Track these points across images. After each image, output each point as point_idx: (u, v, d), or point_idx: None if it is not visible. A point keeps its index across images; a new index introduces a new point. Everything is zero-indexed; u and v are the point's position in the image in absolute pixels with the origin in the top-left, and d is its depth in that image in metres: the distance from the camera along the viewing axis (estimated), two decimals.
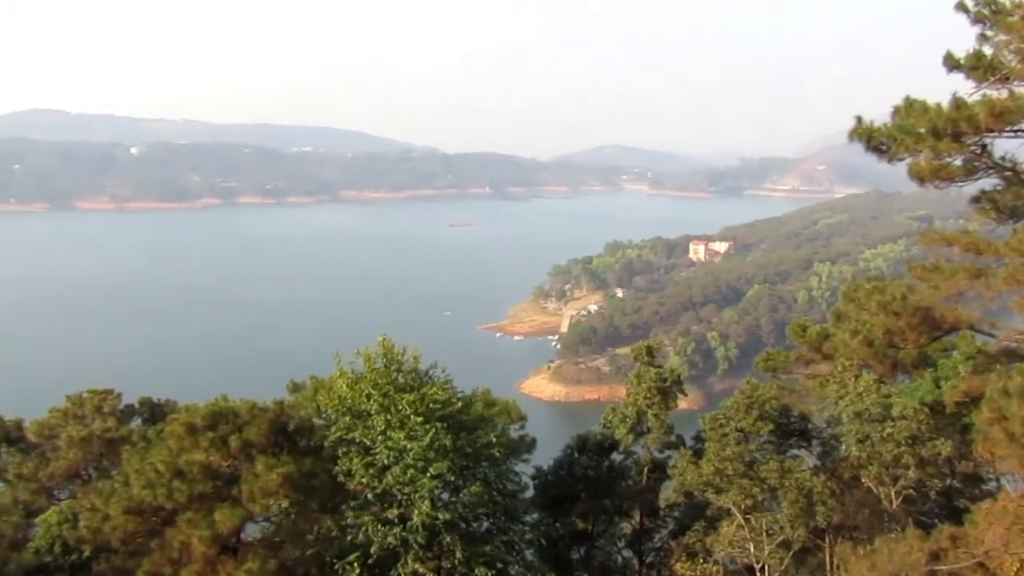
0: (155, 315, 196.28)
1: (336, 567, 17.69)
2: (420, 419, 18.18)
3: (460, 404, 19.21)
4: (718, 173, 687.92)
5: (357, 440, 18.80)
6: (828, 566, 23.48)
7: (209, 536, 17.03)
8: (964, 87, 16.27)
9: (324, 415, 20.41)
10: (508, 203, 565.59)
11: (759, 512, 23.73)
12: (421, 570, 17.90)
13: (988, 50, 16.21)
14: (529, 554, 20.57)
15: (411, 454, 18.23)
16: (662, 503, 29.01)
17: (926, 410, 23.96)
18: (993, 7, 16.05)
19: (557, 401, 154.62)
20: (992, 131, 16.19)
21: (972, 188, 18.11)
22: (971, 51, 16.17)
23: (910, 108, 16.59)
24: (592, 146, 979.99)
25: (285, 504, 18.46)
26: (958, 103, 15.98)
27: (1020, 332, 20.06)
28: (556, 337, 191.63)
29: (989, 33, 16.22)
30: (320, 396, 20.44)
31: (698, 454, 26.18)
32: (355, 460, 18.57)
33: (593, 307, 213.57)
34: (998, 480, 25.32)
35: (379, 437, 18.55)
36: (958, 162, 16.99)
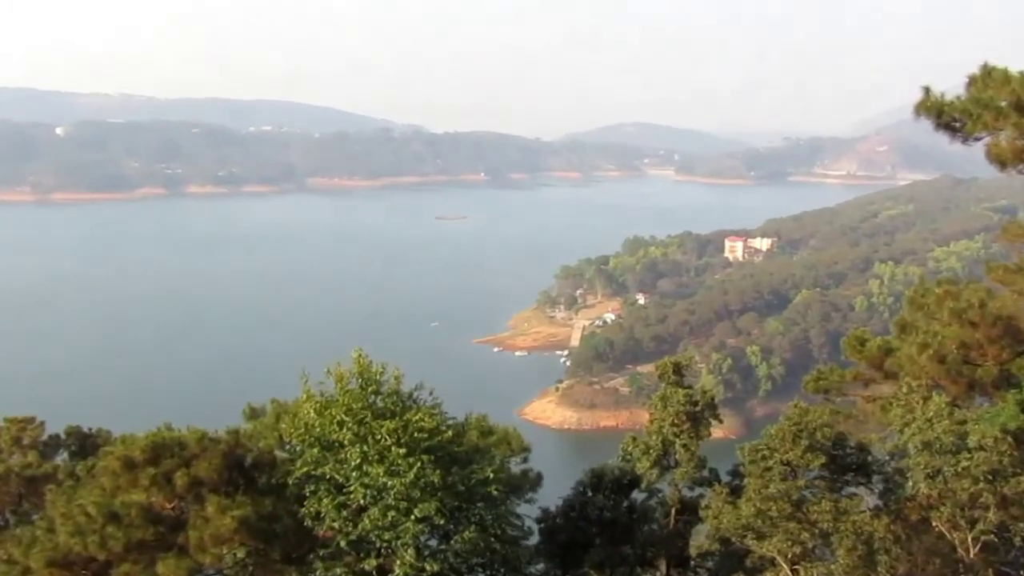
0: (85, 328, 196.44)
1: None
2: (403, 451, 18.18)
3: (451, 433, 19.20)
4: (759, 155, 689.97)
5: (327, 476, 18.79)
6: None
7: None
8: None
9: (288, 447, 20.39)
10: (508, 192, 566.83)
11: (809, 562, 23.65)
12: None
13: None
14: None
15: (392, 493, 18.21)
16: (692, 551, 28.95)
17: (1009, 439, 23.89)
18: None
19: (567, 429, 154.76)
20: None
21: None
22: None
23: (989, 78, 16.51)
24: (608, 123, 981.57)
25: (241, 554, 18.43)
26: None
27: None
28: (565, 352, 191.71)
29: None
30: (283, 424, 20.43)
31: (736, 492, 26.13)
32: (325, 500, 18.55)
33: (610, 316, 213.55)
34: None
35: (354, 473, 18.54)
36: None
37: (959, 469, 23.17)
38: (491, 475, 19.26)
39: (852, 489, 26.10)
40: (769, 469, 24.98)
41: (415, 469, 18.15)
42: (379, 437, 18.39)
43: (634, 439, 28.78)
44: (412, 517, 18.11)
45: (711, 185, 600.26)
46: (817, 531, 23.44)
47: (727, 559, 27.06)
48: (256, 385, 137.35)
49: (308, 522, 18.57)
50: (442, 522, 18.44)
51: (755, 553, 24.64)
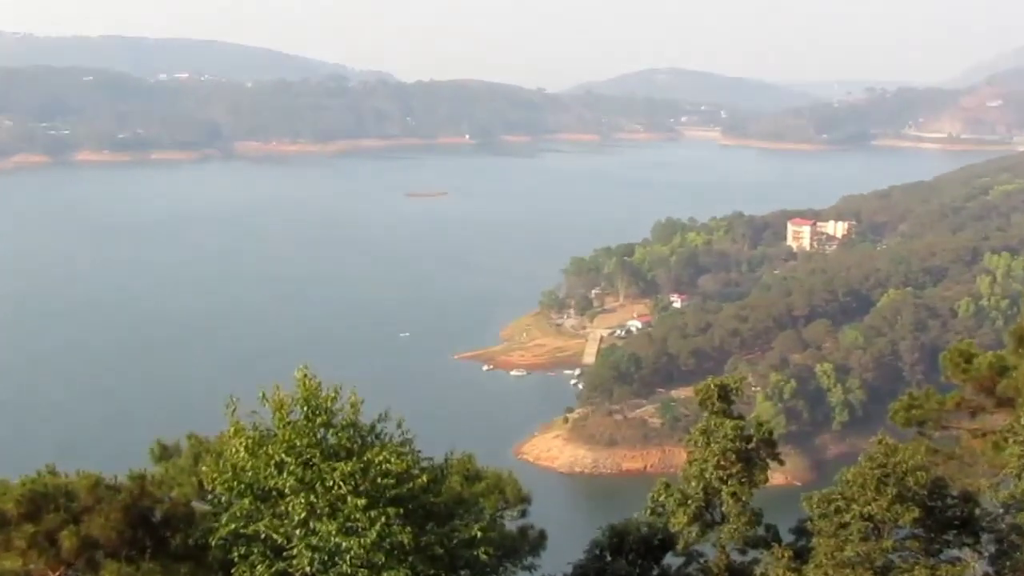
0: None
1: None
2: (362, 502, 18.18)
3: (425, 478, 19.22)
4: (831, 112, 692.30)
5: (262, 535, 18.78)
6: None
7: None
8: None
9: (210, 496, 20.37)
10: (501, 160, 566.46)
11: None
12: None
13: None
14: None
15: (348, 558, 18.19)
16: None
17: None
18: None
19: (579, 473, 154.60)
20: None
21: None
22: None
23: None
24: (634, 70, 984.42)
25: None
26: None
27: None
28: (577, 372, 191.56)
29: None
30: (204, 466, 20.41)
31: (801, 556, 26.17)
32: (259, 567, 18.53)
33: (635, 324, 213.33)
34: None
35: (298, 531, 18.54)
36: None
37: None
38: (478, 534, 19.27)
39: (955, 552, 26.15)
40: (845, 526, 24.99)
41: (378, 526, 18.14)
42: (331, 484, 18.38)
43: (667, 486, 28.79)
44: None
45: (768, 151, 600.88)
46: None
47: None
48: (170, 416, 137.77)
49: None
50: None
51: None
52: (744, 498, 27.77)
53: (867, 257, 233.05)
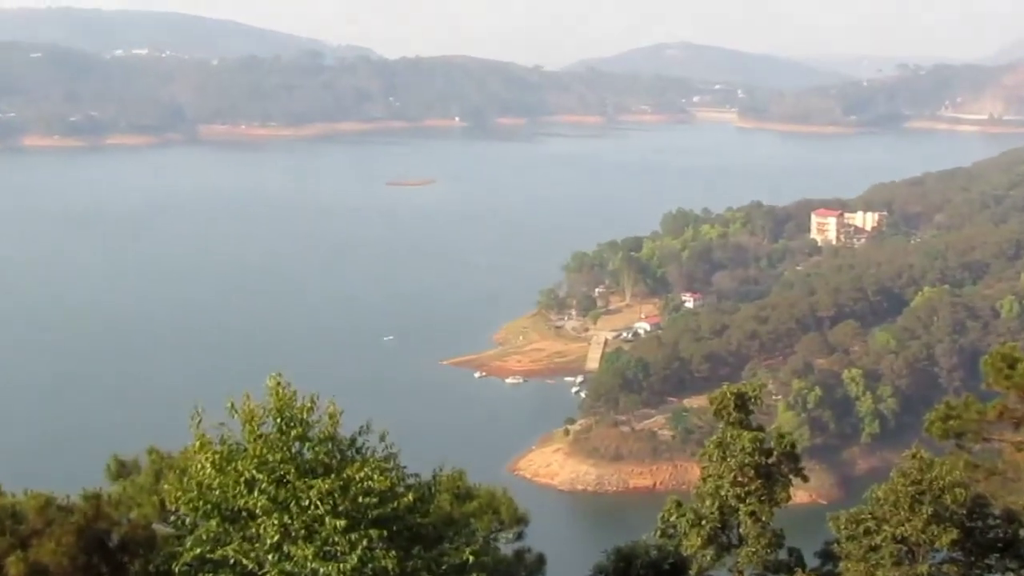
0: None
1: None
2: (341, 523, 18.15)
3: (411, 497, 19.19)
4: (860, 92, 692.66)
5: (231, 560, 18.73)
6: None
7: None
8: None
9: (173, 518, 20.34)
10: (494, 145, 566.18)
11: None
12: None
13: None
14: None
15: None
16: None
17: None
18: None
19: (581, 491, 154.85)
20: None
21: None
22: None
23: None
24: (642, 45, 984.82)
25: None
26: None
27: None
28: (579, 379, 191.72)
29: None
30: (166, 484, 20.36)
31: None
32: None
33: (643, 326, 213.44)
34: None
35: (270, 555, 18.49)
36: None
37: None
38: (470, 558, 19.24)
39: None
40: (876, 549, 25.01)
41: (359, 550, 18.10)
42: (307, 503, 18.34)
43: (679, 505, 28.82)
44: None
45: (790, 134, 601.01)
46: None
47: None
48: (129, 428, 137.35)
49: None
50: None
51: None
52: (764, 518, 27.81)
53: (899, 251, 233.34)
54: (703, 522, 28.06)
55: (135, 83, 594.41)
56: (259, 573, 18.60)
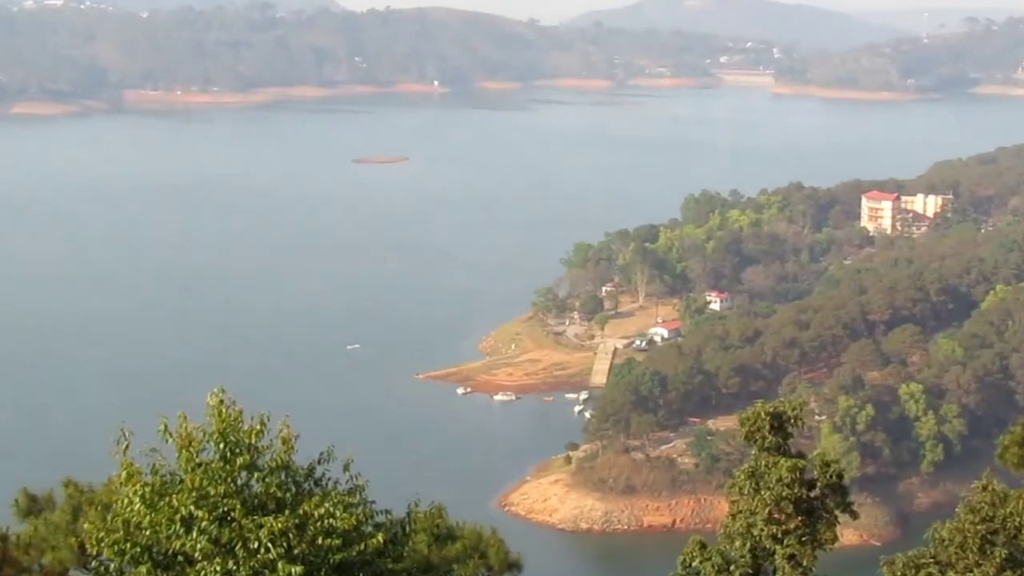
0: None
1: None
2: (298, 569, 18.18)
3: (381, 538, 19.22)
4: (919, 50, 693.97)
5: None
6: None
7: None
8: None
9: (96, 563, 20.33)
10: (479, 113, 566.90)
11: None
12: None
13: None
14: None
15: None
16: None
17: None
18: None
19: (586, 529, 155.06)
20: None
21: None
22: None
23: None
24: None
25: None
26: None
27: None
28: (583, 396, 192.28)
29: None
30: (86, 523, 20.35)
31: None
32: None
33: (659, 332, 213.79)
34: None
35: None
36: None
37: None
38: None
39: None
40: None
41: None
42: (256, 546, 18.37)
43: (703, 547, 28.86)
44: None
45: (836, 101, 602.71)
46: None
47: None
48: (42, 456, 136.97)
49: None
50: None
51: None
52: (805, 562, 27.88)
53: (968, 243, 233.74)
54: (732, 567, 28.11)
55: (48, 40, 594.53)
56: None
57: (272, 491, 19.03)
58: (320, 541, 18.54)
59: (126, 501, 18.98)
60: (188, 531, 18.67)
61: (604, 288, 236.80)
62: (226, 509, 18.68)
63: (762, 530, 27.82)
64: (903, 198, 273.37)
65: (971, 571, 25.16)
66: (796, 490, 27.92)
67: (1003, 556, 25.12)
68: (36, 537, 22.44)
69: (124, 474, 19.16)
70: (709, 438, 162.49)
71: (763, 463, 28.39)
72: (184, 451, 19.05)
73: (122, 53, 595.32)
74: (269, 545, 18.31)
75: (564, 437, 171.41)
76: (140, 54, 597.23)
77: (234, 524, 18.58)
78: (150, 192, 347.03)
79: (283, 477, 19.20)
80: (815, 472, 28.64)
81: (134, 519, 18.88)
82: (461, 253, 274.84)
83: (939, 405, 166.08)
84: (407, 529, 20.76)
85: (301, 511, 18.69)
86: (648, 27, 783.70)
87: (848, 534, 29.20)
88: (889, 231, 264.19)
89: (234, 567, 18.44)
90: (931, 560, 25.74)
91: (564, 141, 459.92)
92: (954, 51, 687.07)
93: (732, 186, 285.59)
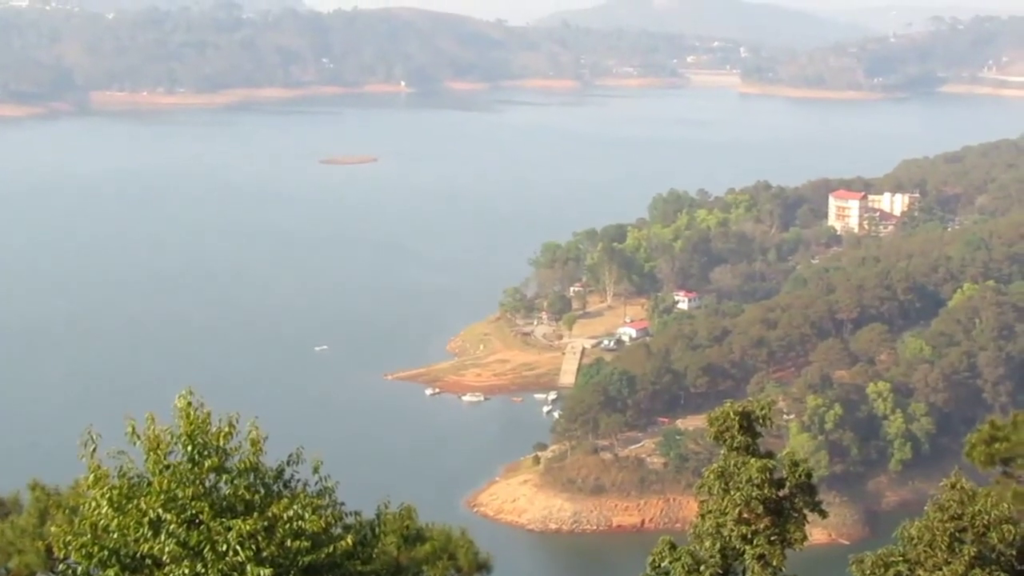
0: None
1: None
2: (267, 572, 18.09)
3: (351, 540, 19.21)
4: (887, 50, 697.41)
5: None
6: None
7: None
8: None
9: (63, 566, 20.19)
10: (446, 113, 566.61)
11: None
12: None
13: None
14: None
15: None
16: None
17: None
18: None
19: (555, 530, 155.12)
20: None
21: None
22: None
23: None
24: None
25: None
26: None
27: None
28: (551, 396, 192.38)
29: None
30: (53, 527, 20.22)
31: None
32: None
33: (627, 332, 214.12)
34: None
35: None
36: None
37: None
38: None
39: None
40: None
41: None
42: (224, 548, 18.28)
43: (672, 547, 28.86)
44: None
45: (803, 101, 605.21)
46: None
47: None
48: (6, 459, 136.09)
49: None
50: None
51: None
52: (775, 562, 27.91)
53: (935, 241, 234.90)
54: (702, 567, 28.11)
55: (13, 41, 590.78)
56: None
57: (241, 493, 18.96)
58: (289, 543, 18.47)
59: (93, 504, 18.87)
60: (156, 534, 18.57)
61: (572, 288, 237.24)
62: (194, 512, 18.59)
63: (732, 530, 27.84)
64: (870, 197, 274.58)
65: (940, 569, 25.20)
66: (765, 490, 27.93)
67: (972, 554, 25.18)
68: (2, 540, 22.31)
69: (91, 477, 19.03)
70: (678, 438, 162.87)
71: (732, 463, 28.41)
72: (152, 453, 18.97)
73: (88, 54, 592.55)
74: (238, 548, 18.23)
75: (533, 438, 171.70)
76: (106, 55, 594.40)
77: (202, 527, 18.50)
78: (115, 194, 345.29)
79: (252, 479, 19.13)
80: (784, 472, 28.68)
81: (101, 522, 18.78)
82: (429, 253, 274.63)
83: (907, 404, 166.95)
84: (376, 531, 20.76)
85: (270, 513, 18.62)
86: (616, 27, 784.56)
87: (817, 533, 29.35)
88: (856, 230, 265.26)
89: (202, 570, 18.34)
90: (900, 558, 25.78)
91: (532, 141, 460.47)
92: (921, 50, 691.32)
93: (699, 185, 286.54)
